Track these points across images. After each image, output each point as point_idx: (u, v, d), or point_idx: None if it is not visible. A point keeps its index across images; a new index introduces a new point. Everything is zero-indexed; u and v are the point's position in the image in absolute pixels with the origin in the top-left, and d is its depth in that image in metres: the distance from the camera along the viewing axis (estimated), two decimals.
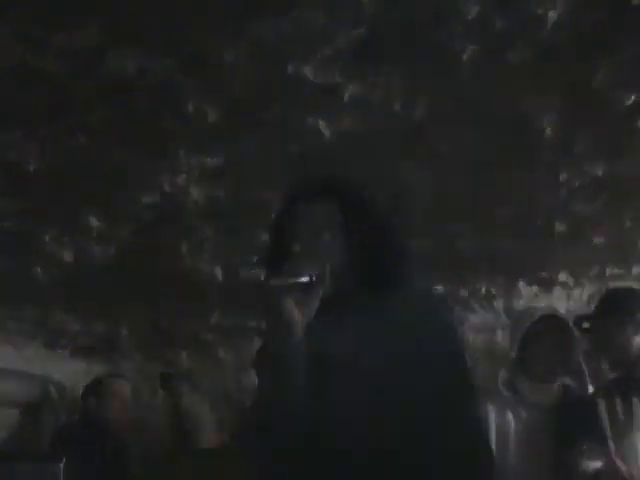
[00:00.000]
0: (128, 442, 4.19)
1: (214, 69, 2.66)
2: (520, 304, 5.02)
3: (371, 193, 2.09)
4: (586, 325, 3.53)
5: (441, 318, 2.03)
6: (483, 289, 4.88)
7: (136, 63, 2.62)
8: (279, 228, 2.01)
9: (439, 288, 4.71)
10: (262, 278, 1.85)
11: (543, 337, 3.45)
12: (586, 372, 3.73)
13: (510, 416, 3.39)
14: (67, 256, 3.96)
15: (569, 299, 5.02)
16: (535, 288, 4.92)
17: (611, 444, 3.22)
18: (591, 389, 3.69)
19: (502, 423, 3.34)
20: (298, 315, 1.81)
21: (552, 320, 3.49)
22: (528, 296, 4.99)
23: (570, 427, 3.37)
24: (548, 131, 3.14)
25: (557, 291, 4.97)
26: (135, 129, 2.98)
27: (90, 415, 4.01)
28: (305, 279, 1.80)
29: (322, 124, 3.01)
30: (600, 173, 3.53)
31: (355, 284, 1.94)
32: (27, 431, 4.78)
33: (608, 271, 4.73)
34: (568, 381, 3.56)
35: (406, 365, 1.90)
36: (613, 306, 3.39)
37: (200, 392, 4.47)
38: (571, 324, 3.48)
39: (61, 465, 2.96)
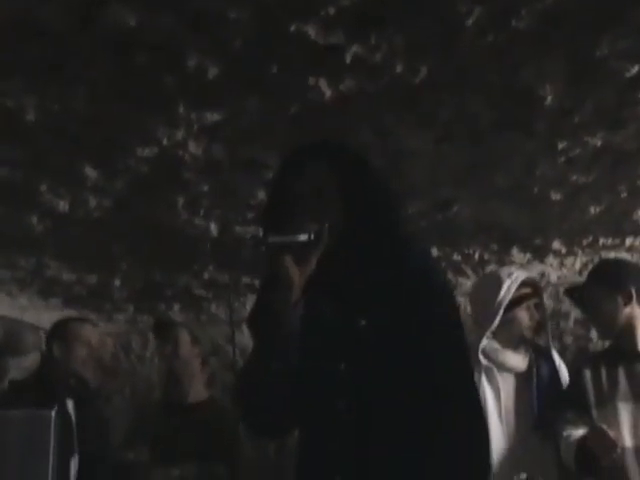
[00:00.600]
0: (93, 391, 4.12)
1: (216, 26, 2.64)
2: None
3: (368, 156, 2.15)
4: (577, 295, 3.57)
5: (435, 280, 2.07)
6: (476, 254, 4.90)
7: (137, 17, 2.60)
8: (278, 188, 2.06)
9: (433, 252, 4.73)
10: (261, 235, 1.88)
11: (522, 306, 3.48)
12: (550, 333, 3.75)
13: (485, 383, 3.43)
14: (62, 206, 3.95)
15: (562, 267, 5.05)
16: (528, 255, 4.94)
17: (594, 412, 3.27)
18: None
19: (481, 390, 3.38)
20: (296, 273, 1.87)
21: (527, 285, 3.53)
22: (521, 262, 5.02)
23: (551, 394, 3.43)
24: (549, 99, 3.13)
25: (550, 259, 4.99)
26: (135, 83, 2.96)
27: (52, 361, 3.91)
28: (303, 238, 1.85)
29: (323, 84, 2.99)
30: (599, 143, 3.53)
31: (352, 243, 1.98)
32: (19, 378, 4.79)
33: (601, 241, 4.75)
34: (539, 345, 3.60)
35: (401, 325, 1.93)
36: (604, 276, 3.43)
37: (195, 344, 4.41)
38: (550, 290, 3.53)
39: (52, 412, 2.97)
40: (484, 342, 3.47)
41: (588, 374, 3.37)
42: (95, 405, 4.18)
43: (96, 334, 4.02)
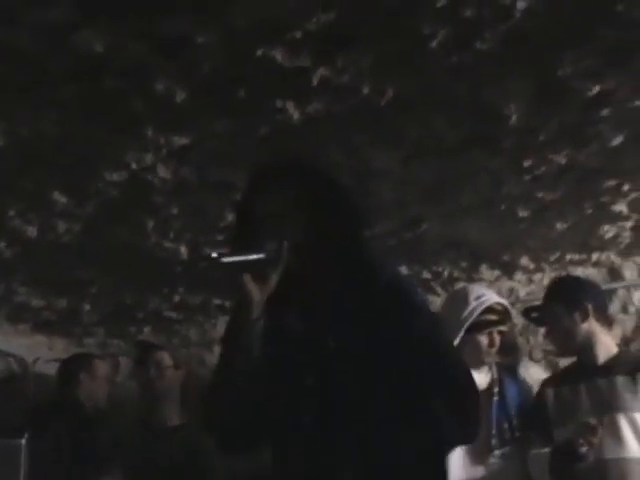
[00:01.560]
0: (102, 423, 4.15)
1: (184, 50, 2.66)
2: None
3: (334, 175, 2.16)
4: (535, 315, 3.60)
5: (406, 294, 2.06)
6: (446, 272, 4.94)
7: (106, 42, 2.61)
8: (242, 209, 2.10)
9: (402, 270, 4.76)
10: (214, 256, 1.90)
11: (483, 330, 3.47)
12: (521, 350, 3.76)
13: None
14: (31, 231, 3.94)
15: (530, 283, 5.10)
16: (497, 272, 4.98)
17: (556, 431, 3.30)
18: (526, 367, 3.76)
19: None
20: (255, 290, 1.88)
21: (493, 312, 3.50)
22: (489, 280, 5.06)
23: (516, 413, 3.44)
24: (514, 118, 3.18)
25: (518, 275, 5.04)
26: (104, 107, 2.97)
27: (66, 393, 3.97)
28: (259, 256, 1.86)
29: (291, 106, 3.01)
30: (564, 161, 3.58)
31: (316, 260, 1.98)
32: None
33: (569, 256, 4.81)
34: (506, 361, 3.59)
35: (371, 342, 1.96)
36: (560, 294, 3.46)
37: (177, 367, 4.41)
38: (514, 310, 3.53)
39: (22, 441, 2.95)
40: None
41: (551, 393, 3.40)
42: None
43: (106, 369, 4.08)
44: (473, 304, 3.43)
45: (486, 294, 3.54)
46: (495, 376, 3.50)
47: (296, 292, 1.98)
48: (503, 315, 3.52)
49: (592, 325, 3.37)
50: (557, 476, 3.26)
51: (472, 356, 3.39)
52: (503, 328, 3.50)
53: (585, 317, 3.36)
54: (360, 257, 2.06)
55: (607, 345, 3.39)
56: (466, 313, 3.41)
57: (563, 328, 3.40)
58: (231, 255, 1.87)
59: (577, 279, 4.02)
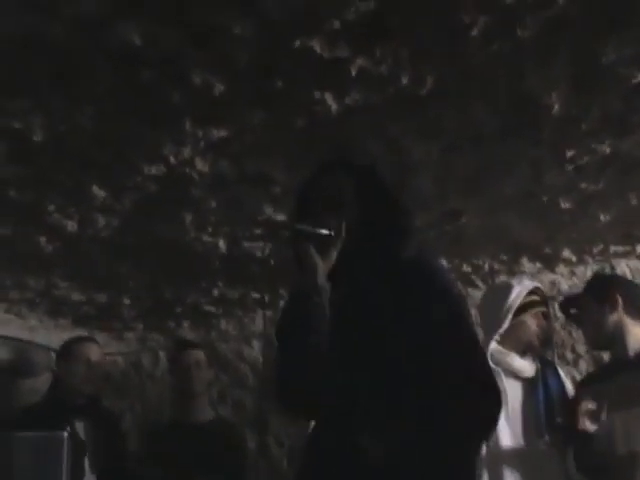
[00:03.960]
0: (104, 408, 4.18)
1: (221, 42, 2.64)
2: None
3: (381, 170, 2.40)
4: (573, 310, 3.59)
5: (442, 285, 2.16)
6: (486, 265, 4.88)
7: (143, 35, 2.60)
8: (307, 189, 2.33)
9: (442, 262, 4.72)
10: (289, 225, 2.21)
11: (530, 311, 3.51)
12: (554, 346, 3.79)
13: None
14: (71, 226, 3.96)
15: (572, 276, 5.03)
16: (538, 265, 4.92)
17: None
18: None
19: None
20: (320, 261, 2.09)
21: (536, 294, 3.55)
22: (531, 272, 5.00)
23: (558, 402, 3.45)
24: (555, 107, 3.13)
25: (560, 268, 4.97)
26: (141, 100, 2.96)
27: (59, 382, 3.99)
28: (325, 231, 2.10)
29: (329, 97, 2.99)
30: (607, 150, 3.51)
31: (363, 245, 2.19)
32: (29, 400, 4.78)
33: (612, 249, 4.74)
34: (545, 354, 3.63)
35: (414, 326, 2.03)
36: (592, 287, 3.46)
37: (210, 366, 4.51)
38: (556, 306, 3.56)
39: (65, 433, 2.96)
40: (492, 346, 3.49)
41: (586, 392, 3.40)
42: (109, 423, 4.20)
43: (96, 351, 4.10)
44: (517, 288, 3.56)
45: (525, 279, 3.70)
46: (539, 365, 3.52)
47: (342, 273, 2.15)
48: (543, 298, 3.64)
49: (622, 317, 3.35)
50: (587, 471, 3.25)
51: (522, 339, 3.46)
52: (545, 310, 3.61)
53: (614, 308, 3.34)
54: (401, 248, 2.24)
55: (638, 337, 3.35)
56: (513, 296, 3.52)
57: (592, 319, 3.41)
58: (302, 225, 2.11)
59: (613, 275, 4.06)
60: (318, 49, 2.68)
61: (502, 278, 5.00)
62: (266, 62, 2.77)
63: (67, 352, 4.17)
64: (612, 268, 4.92)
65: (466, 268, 4.91)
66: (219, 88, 2.88)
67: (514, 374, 3.50)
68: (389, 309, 2.07)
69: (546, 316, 3.62)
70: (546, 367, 3.59)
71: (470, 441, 2.01)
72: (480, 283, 5.08)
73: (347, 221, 2.16)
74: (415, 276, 2.13)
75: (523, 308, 3.52)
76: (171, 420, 4.51)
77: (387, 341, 2.03)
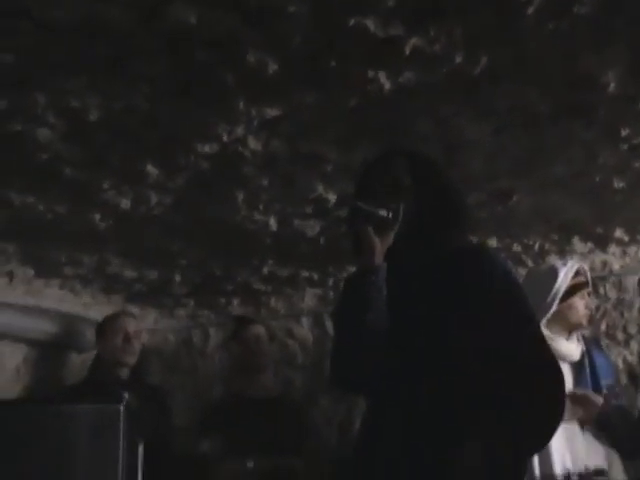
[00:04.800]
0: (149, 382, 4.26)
1: (275, 21, 2.65)
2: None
3: (438, 159, 2.60)
4: None
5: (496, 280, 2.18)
6: (537, 245, 4.85)
7: (198, 14, 2.62)
8: (367, 173, 2.42)
9: (492, 242, 4.71)
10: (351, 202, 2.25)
11: (578, 292, 3.50)
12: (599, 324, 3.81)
13: None
14: (124, 204, 4.01)
15: (624, 256, 4.98)
16: (590, 244, 4.87)
17: None
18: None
19: None
20: (377, 241, 2.14)
21: (580, 274, 3.54)
22: (582, 252, 4.96)
23: (607, 382, 3.46)
24: (611, 86, 3.09)
25: (612, 248, 4.92)
26: (195, 80, 2.99)
27: (99, 357, 4.09)
28: (383, 212, 2.15)
29: (382, 76, 2.99)
30: None
31: (422, 230, 2.26)
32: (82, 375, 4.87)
33: None
34: (589, 337, 3.63)
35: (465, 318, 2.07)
36: None
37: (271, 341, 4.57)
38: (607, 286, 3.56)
39: (121, 407, 3.02)
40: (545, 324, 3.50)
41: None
42: (157, 397, 4.28)
43: (131, 323, 4.19)
44: (564, 270, 3.59)
45: (569, 260, 3.80)
46: (584, 348, 3.52)
47: (397, 257, 2.20)
48: (587, 278, 3.68)
49: None
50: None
51: (571, 321, 3.46)
52: (590, 289, 3.68)
53: None
54: (456, 237, 2.32)
55: None
56: (560, 279, 3.56)
57: None
58: (363, 205, 2.16)
59: None
60: (372, 28, 2.68)
61: (553, 258, 4.96)
62: (320, 41, 2.77)
63: (104, 327, 4.28)
64: None
65: (516, 248, 4.88)
66: (272, 67, 2.89)
67: (561, 358, 3.46)
68: (441, 295, 2.11)
69: (590, 294, 3.62)
70: (592, 347, 3.59)
71: (537, 428, 2.04)
72: (530, 263, 5.05)
73: (405, 205, 2.21)
74: (471, 264, 2.18)
75: (570, 290, 3.54)
76: (233, 394, 4.57)
77: (440, 328, 2.06)
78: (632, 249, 4.92)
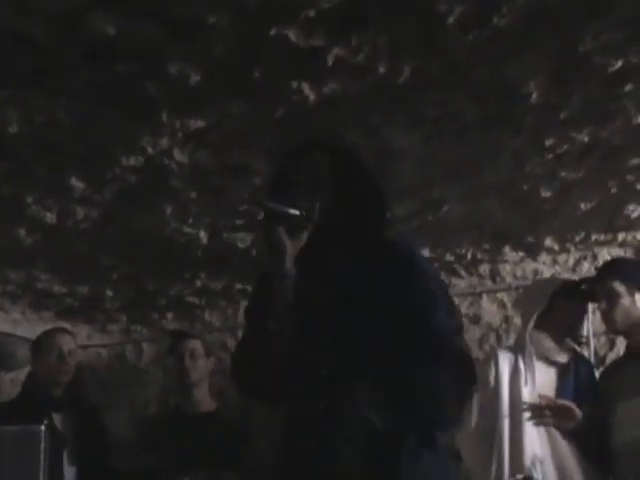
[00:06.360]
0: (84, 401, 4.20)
1: (196, 32, 2.62)
2: (506, 269, 5.05)
3: (358, 151, 2.44)
4: (585, 287, 3.65)
5: (420, 268, 2.18)
6: (469, 254, 4.88)
7: (118, 26, 2.58)
8: (279, 170, 2.29)
9: (425, 252, 4.71)
10: (259, 201, 2.17)
11: (567, 299, 3.59)
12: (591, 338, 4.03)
13: (522, 368, 3.59)
14: (50, 218, 3.94)
15: (555, 264, 5.03)
16: (521, 253, 4.92)
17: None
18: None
19: (514, 371, 3.60)
20: (288, 243, 2.04)
21: (574, 286, 3.62)
22: (514, 261, 5.00)
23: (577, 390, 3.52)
24: (534, 96, 3.12)
25: (543, 256, 4.97)
26: (117, 92, 2.95)
27: (33, 374, 4.03)
28: (295, 212, 2.04)
29: (306, 87, 2.97)
30: (586, 139, 3.51)
31: (339, 226, 2.17)
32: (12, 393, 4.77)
33: (594, 237, 4.74)
34: (576, 346, 3.70)
35: (385, 310, 2.04)
36: (622, 273, 3.54)
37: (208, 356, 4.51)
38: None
39: (42, 427, 2.95)
40: (530, 327, 3.63)
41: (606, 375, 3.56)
42: (91, 415, 4.20)
43: (68, 341, 4.12)
44: (560, 276, 4.06)
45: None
46: (572, 355, 3.67)
47: (316, 255, 2.13)
48: (586, 293, 3.73)
49: None
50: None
51: (557, 322, 3.63)
52: (583, 304, 3.81)
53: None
54: (379, 230, 2.24)
55: None
56: (553, 281, 3.90)
57: (622, 307, 3.45)
58: (273, 203, 2.06)
59: (635, 260, 4.14)
60: (294, 38, 2.66)
61: (485, 267, 5.01)
62: (242, 52, 2.75)
63: (39, 344, 4.20)
64: (594, 256, 4.92)
65: (449, 257, 4.90)
66: (195, 78, 2.86)
67: (546, 358, 3.61)
68: (363, 292, 2.08)
69: (584, 311, 3.79)
70: (580, 360, 3.70)
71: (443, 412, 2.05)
72: (463, 272, 5.08)
73: (322, 203, 2.11)
74: (392, 260, 2.14)
75: (562, 294, 3.63)
76: (169, 410, 4.52)
77: (361, 324, 2.04)
78: (562, 257, 4.98)
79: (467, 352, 2.14)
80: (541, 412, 3.44)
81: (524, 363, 3.58)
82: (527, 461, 3.36)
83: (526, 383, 3.54)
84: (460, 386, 2.07)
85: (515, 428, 3.45)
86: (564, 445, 3.44)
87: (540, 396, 3.48)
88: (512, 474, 3.36)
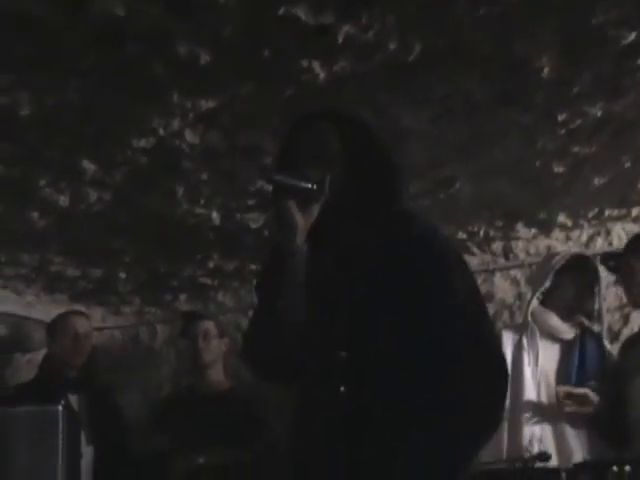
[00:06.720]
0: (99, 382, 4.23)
1: (205, 12, 2.61)
2: (519, 246, 5.03)
3: (369, 123, 2.28)
4: (612, 263, 3.64)
5: (438, 247, 2.09)
6: (481, 232, 4.87)
7: (126, 6, 2.57)
8: (287, 141, 2.21)
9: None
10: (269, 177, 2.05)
11: (573, 274, 3.55)
12: (604, 312, 3.89)
13: (525, 345, 3.60)
14: (63, 201, 3.95)
15: (568, 241, 5.01)
16: (534, 230, 4.90)
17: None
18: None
19: (518, 350, 3.61)
20: (300, 217, 1.96)
21: (582, 260, 3.63)
22: (526, 238, 4.98)
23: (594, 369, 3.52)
24: (545, 71, 3.10)
25: (556, 233, 4.95)
26: (127, 73, 2.94)
27: (49, 357, 4.06)
28: (306, 184, 1.96)
29: (316, 65, 2.96)
30: (599, 113, 3.48)
31: (352, 199, 2.06)
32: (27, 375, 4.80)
33: (607, 212, 4.71)
34: (587, 321, 3.67)
35: (400, 290, 1.96)
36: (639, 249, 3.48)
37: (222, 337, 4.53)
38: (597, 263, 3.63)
39: (59, 407, 2.97)
40: (534, 304, 3.64)
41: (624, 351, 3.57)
42: (106, 396, 4.23)
43: (83, 323, 4.14)
44: (565, 251, 3.86)
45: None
46: (578, 331, 3.66)
47: (329, 232, 2.05)
48: (590, 268, 3.74)
49: None
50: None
51: (562, 299, 3.66)
52: (589, 279, 3.71)
53: None
54: (393, 204, 2.14)
55: None
56: (558, 257, 3.71)
57: (637, 282, 3.44)
58: (282, 176, 1.97)
59: None
60: (303, 16, 2.65)
61: (498, 244, 4.99)
62: (251, 31, 2.74)
63: (54, 327, 4.23)
64: (607, 232, 4.90)
65: (461, 235, 4.89)
66: (204, 59, 2.86)
67: (551, 334, 3.61)
68: (375, 268, 2.00)
69: (591, 286, 3.70)
70: (588, 335, 3.67)
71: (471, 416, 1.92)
72: (476, 249, 5.07)
73: (333, 176, 2.01)
74: (407, 234, 2.05)
75: (566, 270, 3.62)
76: (182, 391, 4.55)
77: (374, 302, 1.97)
78: (575, 233, 4.95)
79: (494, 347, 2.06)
80: (561, 405, 3.40)
81: (527, 343, 3.58)
82: (525, 440, 3.36)
83: (529, 363, 3.54)
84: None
85: (514, 408, 3.44)
86: (566, 424, 3.43)
87: (557, 388, 3.45)
88: (510, 453, 3.35)
